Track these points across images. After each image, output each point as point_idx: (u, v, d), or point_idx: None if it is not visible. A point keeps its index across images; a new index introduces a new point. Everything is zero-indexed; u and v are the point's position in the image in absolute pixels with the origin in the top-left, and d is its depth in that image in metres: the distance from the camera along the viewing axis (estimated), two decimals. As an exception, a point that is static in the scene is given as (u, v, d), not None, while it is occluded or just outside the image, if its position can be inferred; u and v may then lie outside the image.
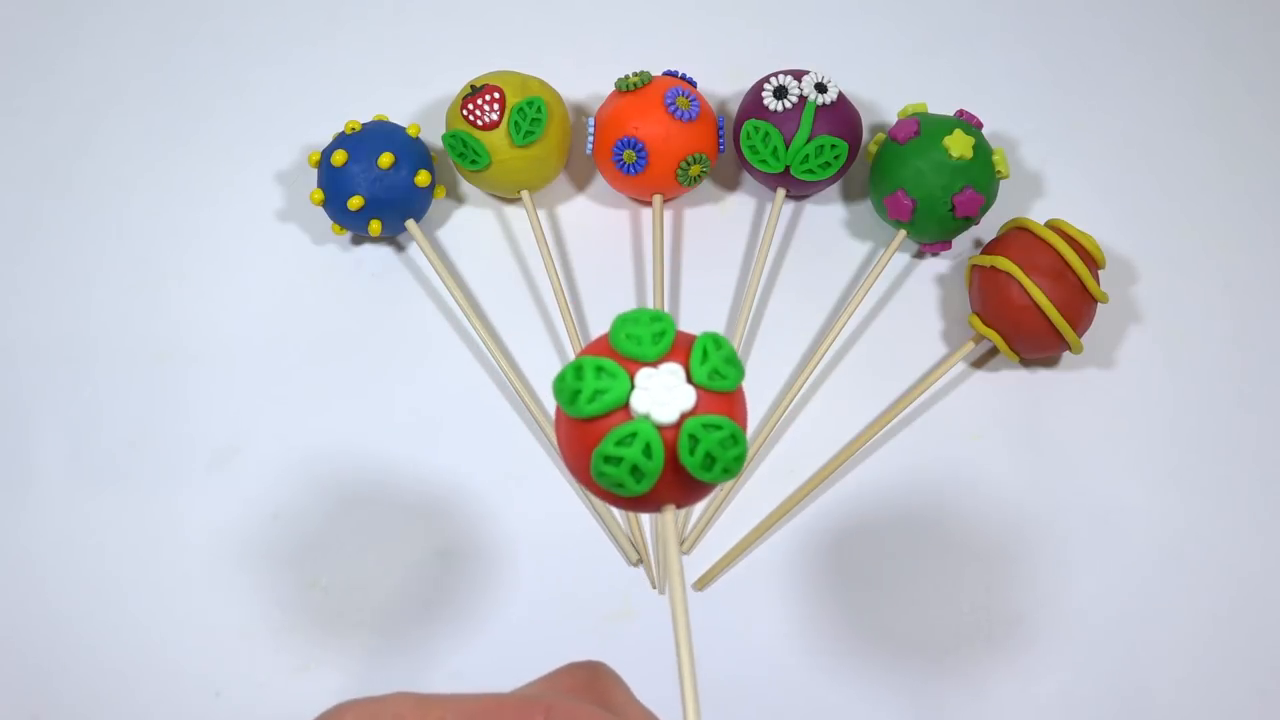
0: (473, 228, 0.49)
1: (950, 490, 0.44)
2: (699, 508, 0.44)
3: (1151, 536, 0.43)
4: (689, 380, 0.25)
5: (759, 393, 0.45)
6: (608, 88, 0.48)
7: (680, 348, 0.25)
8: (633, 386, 0.24)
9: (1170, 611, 0.42)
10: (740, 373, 0.25)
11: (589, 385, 0.24)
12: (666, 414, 0.24)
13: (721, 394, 0.25)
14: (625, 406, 0.24)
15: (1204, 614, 0.42)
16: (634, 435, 0.24)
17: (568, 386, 0.25)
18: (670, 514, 0.26)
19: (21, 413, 0.45)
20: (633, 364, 0.25)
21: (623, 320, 0.25)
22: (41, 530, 0.43)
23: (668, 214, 0.49)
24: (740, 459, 0.25)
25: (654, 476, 0.24)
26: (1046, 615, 0.42)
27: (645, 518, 0.43)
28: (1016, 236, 0.44)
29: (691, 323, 0.47)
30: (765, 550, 0.43)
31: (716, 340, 0.25)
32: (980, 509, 0.44)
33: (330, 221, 0.47)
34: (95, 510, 0.44)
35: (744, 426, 0.25)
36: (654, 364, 0.25)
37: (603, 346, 0.25)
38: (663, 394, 0.24)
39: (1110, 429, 0.45)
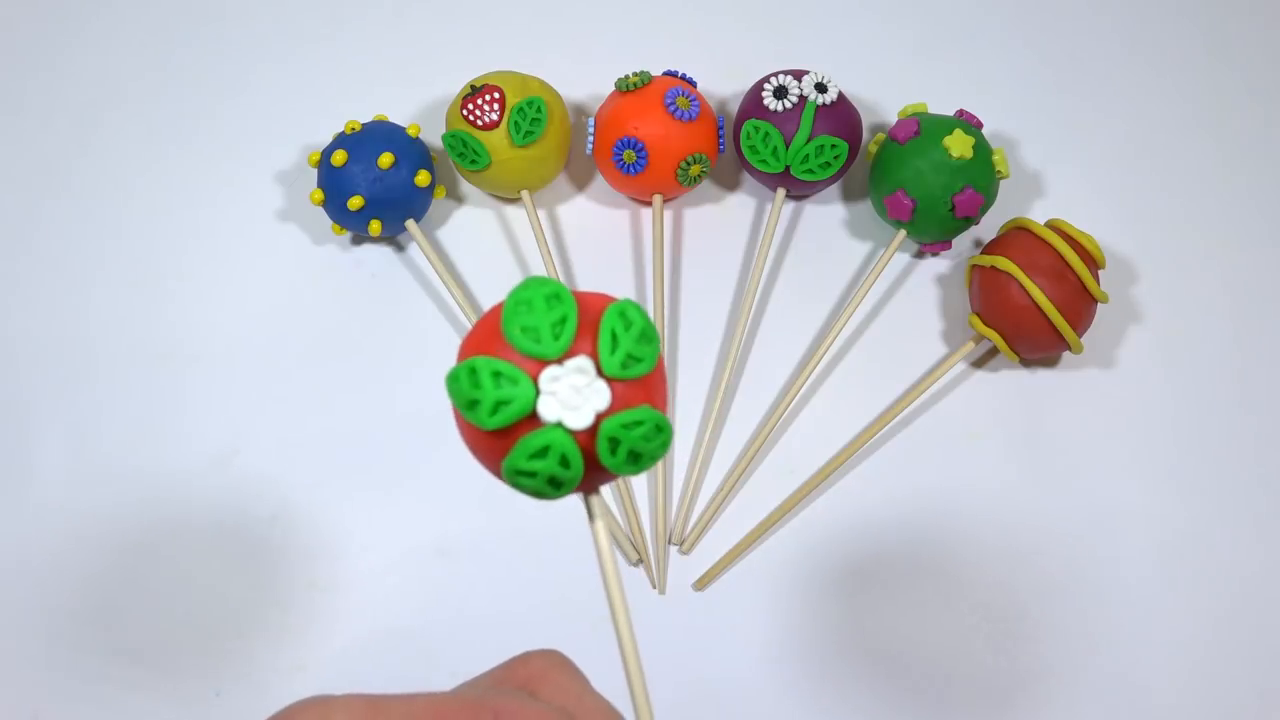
0: (473, 228, 0.49)
1: (950, 490, 0.44)
2: (699, 508, 0.44)
3: (1151, 536, 0.43)
4: (600, 373, 0.22)
5: (759, 393, 0.45)
6: (608, 88, 0.48)
7: (585, 329, 0.22)
8: (537, 391, 0.22)
9: (1170, 611, 0.42)
10: (656, 346, 0.22)
11: (488, 395, 0.21)
12: (580, 419, 0.22)
13: (639, 380, 0.22)
14: (532, 414, 0.22)
15: (1204, 614, 0.42)
16: (547, 448, 0.22)
17: (463, 393, 0.22)
18: (601, 512, 0.24)
19: (21, 413, 0.45)
20: (534, 363, 0.22)
21: (515, 306, 0.22)
22: (41, 530, 0.43)
23: (668, 214, 0.49)
24: (666, 444, 0.22)
25: (574, 483, 0.22)
26: (1046, 615, 0.42)
27: (645, 518, 0.43)
28: (1016, 236, 0.44)
29: (692, 323, 0.47)
30: (765, 550, 0.43)
31: (624, 314, 0.22)
32: (980, 509, 0.43)
33: (330, 221, 0.47)
34: (95, 510, 0.43)
35: (664, 401, 0.23)
36: (558, 361, 0.22)
37: (495, 335, 0.22)
38: (572, 397, 0.21)
39: (1110, 429, 0.45)
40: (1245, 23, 0.55)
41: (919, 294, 0.48)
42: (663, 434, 0.22)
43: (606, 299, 0.23)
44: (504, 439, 0.22)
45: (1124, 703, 0.41)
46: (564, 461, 0.22)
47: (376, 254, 0.48)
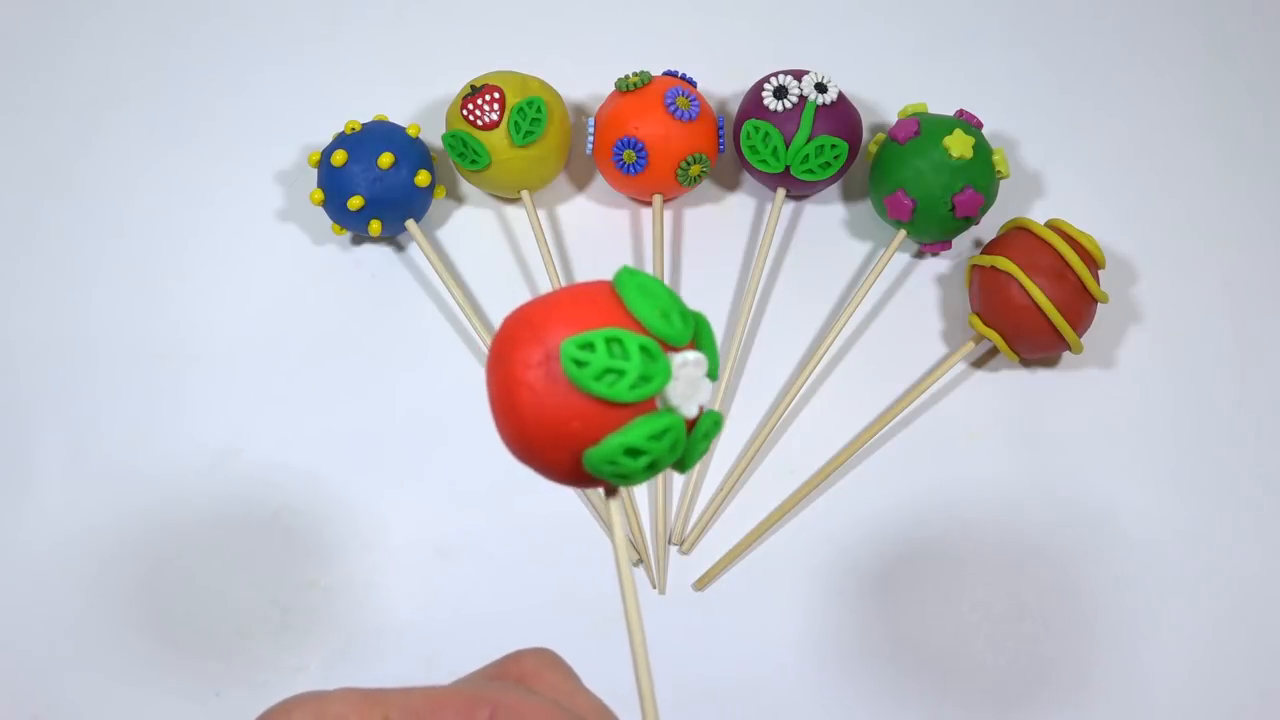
0: (473, 228, 0.49)
1: (950, 490, 0.44)
2: (699, 508, 0.44)
3: (1151, 536, 0.43)
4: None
5: (759, 393, 0.46)
6: (608, 88, 0.48)
7: None
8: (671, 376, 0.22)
9: (1170, 611, 0.42)
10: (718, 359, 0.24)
11: (634, 368, 0.21)
12: (691, 409, 0.22)
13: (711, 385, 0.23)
14: (658, 395, 0.22)
15: (1204, 614, 0.42)
16: (666, 431, 0.22)
17: (598, 362, 0.21)
18: (617, 502, 0.24)
19: (21, 413, 0.45)
20: (665, 345, 0.22)
21: (640, 288, 0.22)
22: (41, 530, 0.43)
23: (668, 214, 0.49)
24: (715, 433, 0.24)
25: (670, 464, 0.22)
26: (1046, 614, 0.42)
27: (645, 519, 0.43)
28: (1016, 236, 0.44)
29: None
30: (765, 550, 0.43)
31: (705, 322, 0.23)
32: (980, 508, 0.43)
33: (330, 221, 0.47)
34: (95, 510, 0.43)
35: None
36: (681, 349, 0.22)
37: (613, 312, 0.22)
38: (688, 387, 0.22)
39: (1110, 429, 0.45)
40: (1245, 23, 0.55)
41: (919, 294, 0.48)
42: (718, 427, 0.23)
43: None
44: (614, 416, 0.22)
45: (1124, 702, 0.41)
46: (674, 447, 0.22)
47: (376, 254, 0.48)
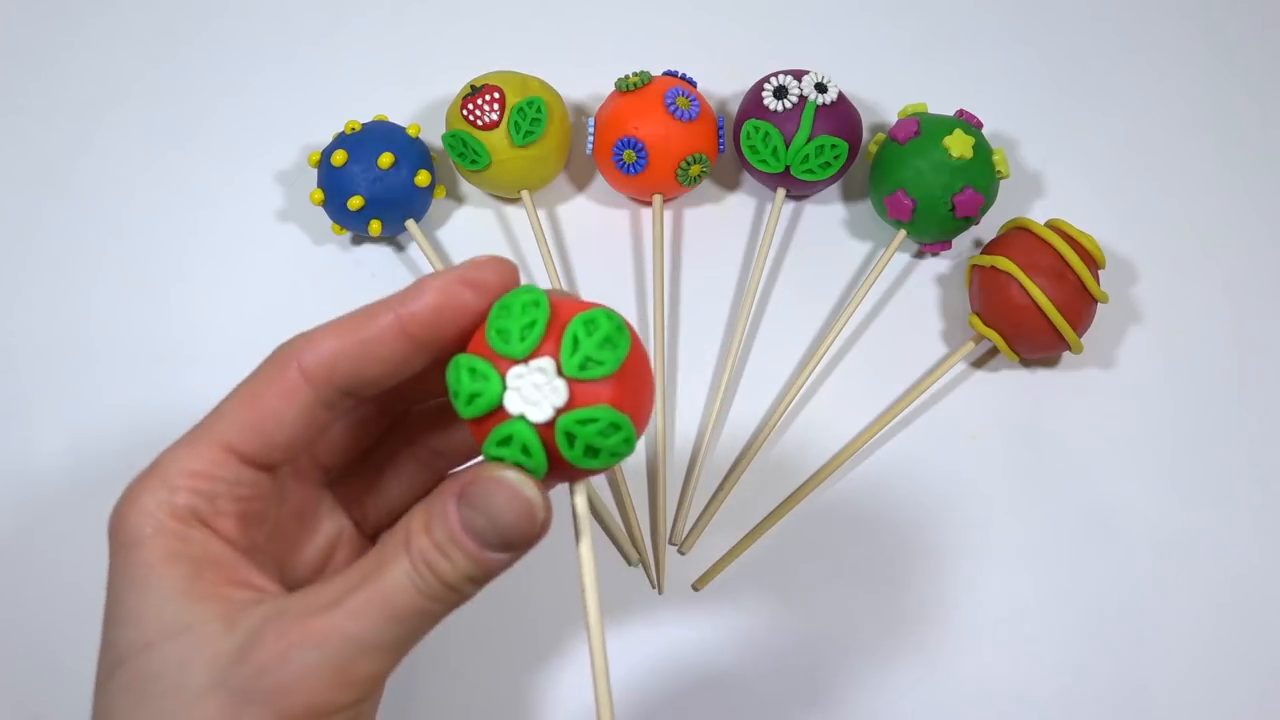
0: (473, 228, 0.49)
1: (950, 490, 0.44)
2: (697, 507, 0.44)
3: (1151, 536, 0.43)
4: (560, 373, 0.24)
5: (759, 393, 0.45)
6: (608, 88, 0.48)
7: (555, 332, 0.25)
8: (505, 387, 0.24)
9: (1170, 611, 0.42)
10: (617, 352, 0.24)
11: (465, 387, 0.24)
12: (539, 414, 0.24)
13: (599, 380, 0.24)
14: (501, 407, 0.24)
15: (1204, 614, 0.42)
16: (510, 437, 0.24)
17: (450, 386, 0.25)
18: (582, 496, 0.26)
19: (21, 413, 0.45)
20: (504, 361, 0.24)
21: (497, 311, 0.25)
22: (41, 530, 0.43)
23: (668, 214, 0.49)
24: (628, 441, 0.25)
25: (540, 471, 0.25)
26: (1046, 615, 0.42)
27: (644, 518, 0.43)
28: (1016, 236, 0.44)
29: (692, 323, 0.47)
30: (764, 550, 0.43)
31: (590, 320, 0.24)
32: (980, 509, 0.44)
33: (330, 221, 0.47)
34: (95, 510, 0.43)
35: (636, 402, 0.25)
36: (524, 360, 0.24)
37: (481, 335, 0.25)
38: (532, 393, 0.24)
39: (1110, 429, 0.45)
40: (1245, 23, 0.55)
41: (919, 294, 0.48)
42: (620, 431, 0.24)
43: (585, 306, 0.25)
44: (482, 425, 0.25)
45: (1124, 702, 0.41)
46: (525, 450, 0.24)
47: (376, 254, 0.48)
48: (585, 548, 0.26)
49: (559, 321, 0.25)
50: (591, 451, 0.24)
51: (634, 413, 0.25)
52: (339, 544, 0.30)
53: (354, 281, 0.48)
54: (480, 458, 0.25)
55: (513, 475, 0.24)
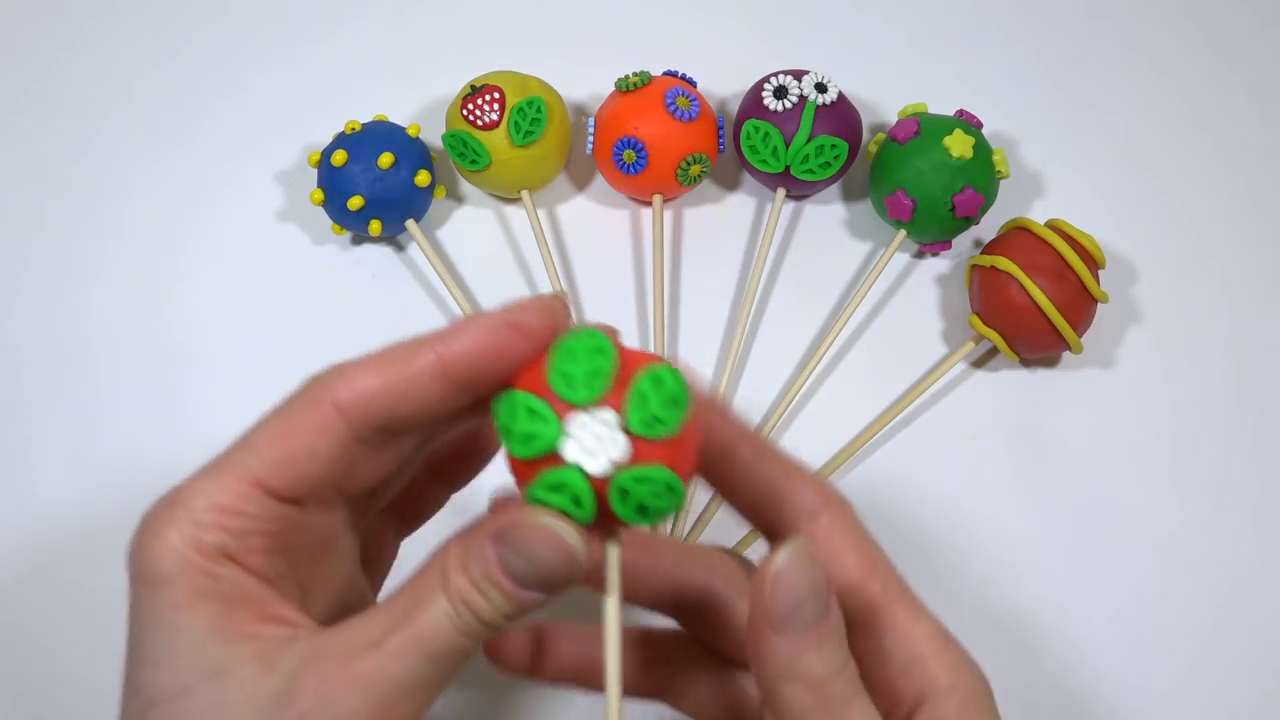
0: (473, 228, 0.49)
1: (950, 490, 0.44)
2: (697, 507, 0.44)
3: (1151, 536, 0.43)
4: (624, 428, 0.23)
5: (759, 393, 0.45)
6: (608, 88, 0.48)
7: (621, 384, 0.24)
8: (564, 433, 0.23)
9: (1169, 611, 0.42)
10: (682, 413, 0.24)
11: (520, 426, 0.24)
12: (596, 465, 0.23)
13: (661, 441, 0.24)
14: (556, 451, 0.24)
15: (1203, 614, 0.42)
16: (562, 485, 0.23)
17: (501, 419, 0.24)
18: (616, 548, 0.25)
19: (21, 413, 0.45)
20: (565, 406, 0.24)
21: (561, 352, 0.24)
22: (41, 530, 0.43)
23: (668, 214, 0.49)
24: (677, 503, 0.24)
25: (588, 520, 0.24)
26: (1046, 615, 0.42)
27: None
28: (1016, 236, 0.44)
29: (692, 323, 0.47)
30: (764, 550, 0.43)
31: (657, 378, 0.24)
32: (979, 509, 0.43)
33: (330, 221, 0.47)
34: (95, 510, 0.43)
35: (689, 463, 0.24)
36: (586, 409, 0.24)
37: (540, 373, 0.24)
38: (593, 444, 0.23)
39: (1110, 429, 0.45)
40: (1245, 23, 0.55)
41: (919, 294, 0.48)
42: (673, 494, 0.24)
43: (650, 358, 0.24)
44: (531, 466, 0.24)
45: (1123, 702, 0.41)
46: (576, 500, 0.23)
47: (376, 254, 0.48)
48: (613, 604, 0.25)
49: (624, 371, 0.24)
50: (642, 510, 0.24)
51: (686, 473, 0.24)
52: (352, 558, 0.30)
53: (354, 281, 0.48)
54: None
55: (555, 522, 0.24)
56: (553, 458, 0.24)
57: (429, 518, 0.34)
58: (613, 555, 0.25)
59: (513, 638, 0.29)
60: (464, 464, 0.33)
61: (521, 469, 0.24)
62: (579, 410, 0.23)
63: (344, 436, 0.25)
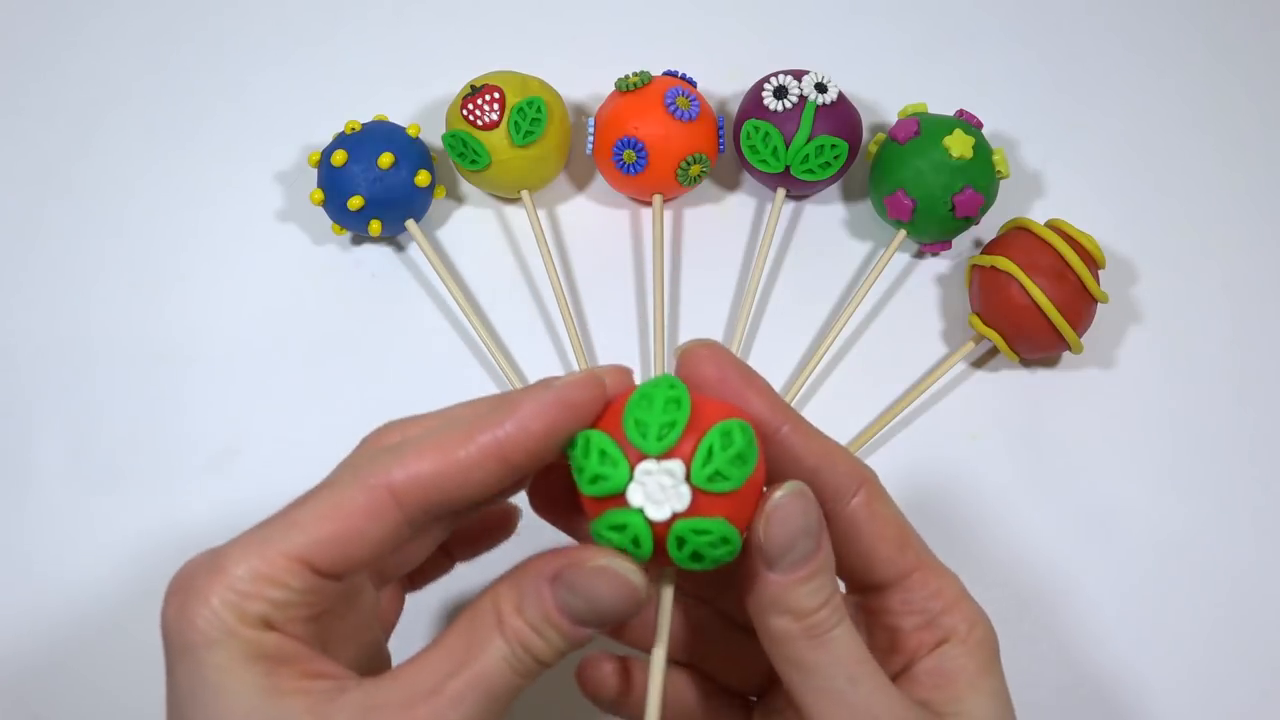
0: (473, 228, 0.49)
1: (950, 490, 0.44)
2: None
3: (1151, 536, 0.43)
4: (688, 479, 0.25)
5: (759, 393, 0.45)
6: (608, 88, 0.48)
7: (693, 434, 0.25)
8: (632, 477, 0.25)
9: (1170, 611, 0.42)
10: (746, 470, 0.25)
11: (592, 466, 0.25)
12: (658, 513, 0.24)
13: (723, 495, 0.25)
14: (622, 494, 0.25)
15: (1203, 614, 0.42)
16: (624, 526, 0.25)
17: (575, 458, 0.26)
18: (669, 590, 0.27)
19: (21, 413, 0.45)
20: (636, 452, 0.25)
21: (638, 400, 0.25)
22: (41, 530, 0.43)
23: (668, 214, 0.49)
24: (732, 553, 0.25)
25: (644, 558, 0.25)
26: (1046, 615, 0.42)
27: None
28: (1016, 236, 0.44)
29: (692, 323, 0.47)
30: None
31: (727, 435, 0.25)
32: (980, 509, 0.43)
33: (330, 221, 0.47)
34: (95, 510, 0.43)
35: (748, 514, 0.25)
36: (656, 458, 0.25)
37: (618, 416, 0.25)
38: (657, 492, 0.24)
39: (1110, 429, 0.45)
40: (1245, 23, 0.55)
41: (919, 294, 0.48)
42: (728, 545, 0.25)
43: (725, 410, 0.25)
44: (599, 504, 0.25)
45: (1123, 703, 0.41)
46: (636, 541, 0.25)
47: (376, 254, 0.48)
48: (660, 654, 0.26)
49: (697, 424, 0.25)
50: (697, 557, 0.25)
51: (745, 524, 0.25)
52: (373, 613, 0.30)
53: (354, 281, 0.48)
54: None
55: (618, 562, 0.25)
56: (619, 499, 0.25)
57: (437, 579, 0.34)
58: (666, 598, 0.26)
59: (604, 669, 0.30)
60: (486, 539, 0.33)
61: (590, 504, 0.26)
62: (649, 458, 0.25)
63: (397, 521, 0.25)
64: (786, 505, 0.25)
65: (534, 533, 0.32)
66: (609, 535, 0.25)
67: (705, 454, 0.25)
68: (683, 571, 0.26)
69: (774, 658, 0.27)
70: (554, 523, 0.30)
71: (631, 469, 0.25)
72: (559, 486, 0.28)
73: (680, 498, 0.24)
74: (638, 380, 0.27)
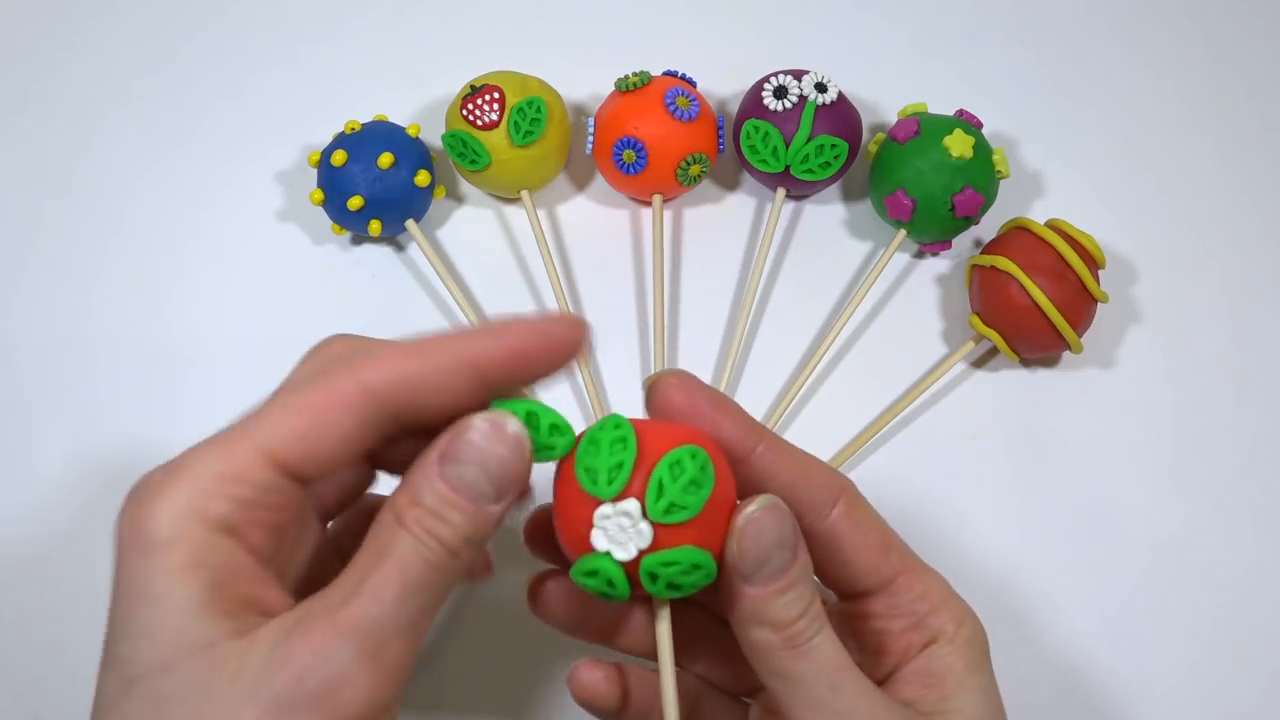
0: (473, 228, 0.49)
1: (950, 490, 0.44)
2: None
3: (1151, 536, 0.43)
4: (645, 516, 0.25)
5: (759, 393, 0.45)
6: (608, 88, 0.48)
7: (642, 469, 0.25)
8: (593, 524, 0.25)
9: (1170, 611, 0.42)
10: (702, 493, 0.25)
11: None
12: (624, 554, 0.25)
13: (682, 524, 0.25)
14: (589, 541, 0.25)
15: (1204, 614, 0.42)
16: (596, 571, 0.25)
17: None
18: (665, 623, 0.27)
19: (21, 413, 0.45)
20: (591, 500, 0.25)
21: (586, 446, 0.26)
22: (41, 530, 0.43)
23: (668, 214, 0.49)
24: (709, 575, 0.25)
25: (624, 598, 0.26)
26: (1046, 615, 0.42)
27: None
28: (1016, 236, 0.44)
29: (692, 323, 0.47)
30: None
31: (676, 464, 0.25)
32: (979, 509, 0.43)
33: (330, 221, 0.47)
34: (95, 510, 0.43)
35: (718, 533, 0.25)
36: (611, 501, 0.25)
37: (571, 470, 0.26)
38: (619, 534, 0.25)
39: (1110, 429, 0.45)
40: (1245, 23, 0.55)
41: (919, 294, 0.48)
42: (700, 570, 0.25)
43: (676, 437, 0.26)
44: (572, 551, 0.26)
45: (1123, 703, 0.41)
46: (610, 584, 0.25)
47: (376, 254, 0.48)
48: (669, 681, 0.27)
49: (646, 459, 0.25)
50: (673, 586, 0.25)
51: (718, 543, 0.26)
52: (315, 548, 0.29)
53: (354, 281, 0.48)
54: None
55: (493, 416, 0.25)
56: (587, 544, 0.25)
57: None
58: (663, 629, 0.27)
59: (593, 674, 0.30)
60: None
61: (567, 550, 0.26)
62: (604, 503, 0.25)
63: (367, 418, 0.25)
64: (759, 520, 0.25)
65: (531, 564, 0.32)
66: (584, 581, 0.25)
67: (656, 489, 0.25)
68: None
69: (757, 669, 0.27)
70: (553, 564, 0.31)
71: (591, 515, 0.25)
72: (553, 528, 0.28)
73: (641, 535, 0.25)
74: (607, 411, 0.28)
